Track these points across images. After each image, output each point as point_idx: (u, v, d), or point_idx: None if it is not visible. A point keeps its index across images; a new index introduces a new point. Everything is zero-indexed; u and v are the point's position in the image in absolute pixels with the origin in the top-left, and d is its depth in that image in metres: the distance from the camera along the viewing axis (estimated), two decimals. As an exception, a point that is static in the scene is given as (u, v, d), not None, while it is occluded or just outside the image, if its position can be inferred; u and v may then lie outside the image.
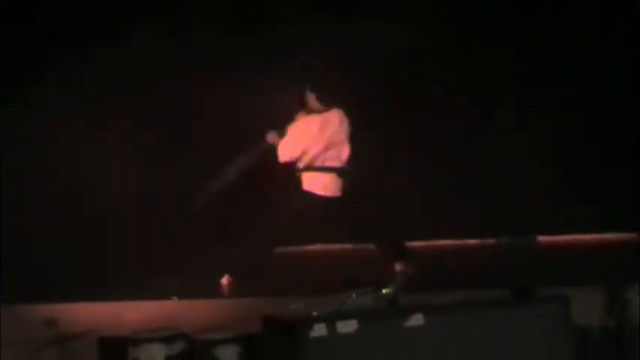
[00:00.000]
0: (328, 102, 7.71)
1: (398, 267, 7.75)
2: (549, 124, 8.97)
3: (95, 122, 9.02)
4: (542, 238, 9.03)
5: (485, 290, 5.90)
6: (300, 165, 7.75)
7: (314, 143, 7.66)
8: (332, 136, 7.71)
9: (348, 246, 9.58)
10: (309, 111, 7.75)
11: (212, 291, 7.67)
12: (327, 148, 7.70)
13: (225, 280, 7.80)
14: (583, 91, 8.91)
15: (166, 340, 5.86)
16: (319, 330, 5.01)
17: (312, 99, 7.72)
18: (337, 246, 9.62)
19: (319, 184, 7.75)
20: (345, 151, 7.77)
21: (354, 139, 7.83)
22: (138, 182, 9.01)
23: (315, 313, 5.14)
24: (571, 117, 8.94)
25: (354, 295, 5.28)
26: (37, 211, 9.17)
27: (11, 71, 8.98)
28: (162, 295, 7.54)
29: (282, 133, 7.76)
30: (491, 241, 9.18)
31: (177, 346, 5.85)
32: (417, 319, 5.07)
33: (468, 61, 8.98)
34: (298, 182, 7.77)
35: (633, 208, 8.40)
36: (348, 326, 5.03)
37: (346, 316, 5.09)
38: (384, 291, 5.32)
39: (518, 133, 8.96)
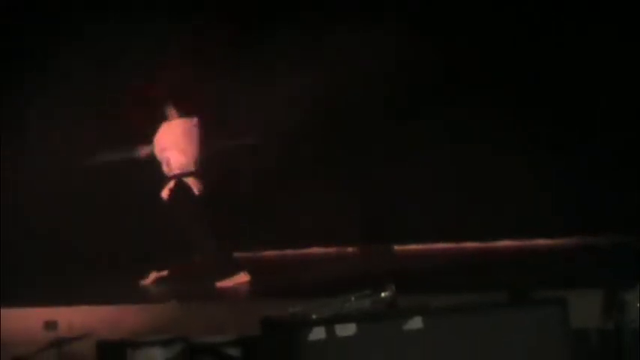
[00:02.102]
0: (183, 111, 8.10)
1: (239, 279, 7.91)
2: (545, 128, 9.00)
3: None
4: (541, 241, 9.04)
5: (483, 293, 5.90)
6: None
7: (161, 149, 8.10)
8: (170, 143, 8.05)
9: (346, 249, 9.61)
10: (169, 119, 8.16)
11: (210, 293, 7.69)
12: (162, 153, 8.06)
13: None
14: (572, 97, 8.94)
15: (165, 343, 5.87)
16: (318, 333, 5.02)
17: (169, 109, 8.13)
18: (335, 249, 9.64)
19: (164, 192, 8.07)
20: (175, 158, 8.02)
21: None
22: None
23: (313, 316, 5.15)
24: (573, 119, 8.97)
25: (352, 298, 5.29)
26: (34, 214, 9.19)
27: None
28: (161, 298, 7.56)
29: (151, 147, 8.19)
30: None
31: (176, 349, 5.86)
32: (415, 322, 5.08)
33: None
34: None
35: (631, 211, 8.41)
36: (346, 329, 5.03)
37: (345, 319, 5.09)
38: (382, 294, 5.33)
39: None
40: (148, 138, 8.33)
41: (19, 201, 9.21)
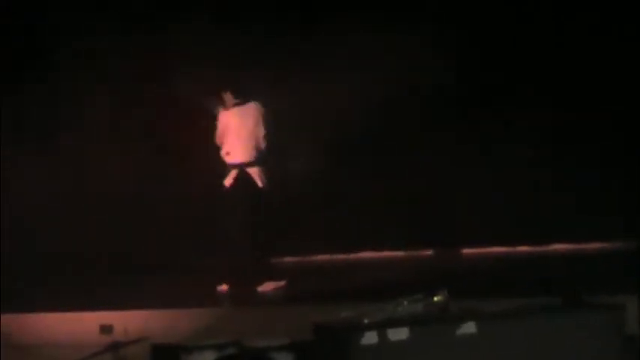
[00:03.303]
0: (241, 98, 7.92)
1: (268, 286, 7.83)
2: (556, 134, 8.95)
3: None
4: (596, 245, 8.94)
5: (536, 297, 5.85)
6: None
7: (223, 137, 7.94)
8: (233, 130, 7.89)
9: (399, 253, 9.58)
10: (225, 107, 7.97)
11: (263, 298, 7.72)
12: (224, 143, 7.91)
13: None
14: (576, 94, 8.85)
15: (218, 347, 5.89)
16: (370, 338, 5.01)
17: (225, 96, 7.94)
18: (387, 253, 9.62)
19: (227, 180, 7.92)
20: (236, 146, 7.88)
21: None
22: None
23: (366, 321, 5.14)
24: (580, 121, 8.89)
25: (405, 303, 5.28)
26: (90, 217, 9.30)
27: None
28: (215, 302, 7.60)
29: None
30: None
31: (229, 353, 5.88)
32: (468, 327, 5.05)
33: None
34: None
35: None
36: (399, 334, 5.02)
37: (398, 323, 5.08)
38: (435, 298, 5.31)
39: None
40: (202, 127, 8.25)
41: (75, 205, 9.33)
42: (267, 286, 7.86)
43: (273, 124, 8.04)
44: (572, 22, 8.82)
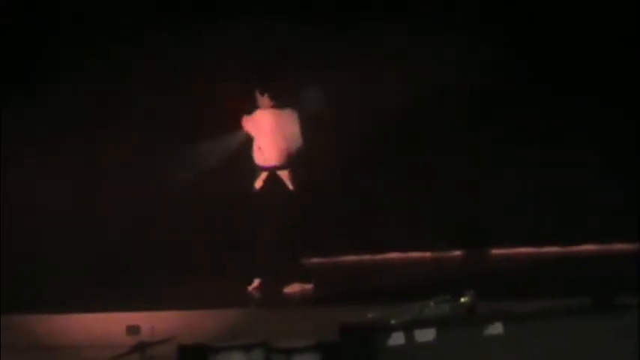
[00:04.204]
0: (277, 101, 7.88)
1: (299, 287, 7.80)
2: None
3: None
4: (625, 246, 8.88)
5: (564, 298, 5.81)
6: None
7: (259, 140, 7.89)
8: (266, 133, 7.86)
9: (426, 254, 9.55)
10: (261, 108, 7.93)
11: (291, 299, 7.71)
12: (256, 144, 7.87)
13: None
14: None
15: (245, 347, 5.89)
16: (397, 339, 5.00)
17: (261, 98, 7.90)
18: (415, 254, 9.59)
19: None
20: (268, 150, 7.84)
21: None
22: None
23: (393, 322, 5.13)
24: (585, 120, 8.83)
25: (432, 304, 5.26)
26: (117, 218, 9.33)
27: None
28: (242, 303, 7.60)
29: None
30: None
31: (256, 354, 5.88)
32: (495, 328, 5.02)
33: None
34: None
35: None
36: (426, 335, 5.00)
37: (424, 324, 5.06)
38: (462, 299, 5.28)
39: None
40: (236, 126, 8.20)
41: (104, 206, 9.36)
42: (294, 288, 7.86)
43: (305, 126, 8.01)
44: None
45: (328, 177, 9.22)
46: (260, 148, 7.93)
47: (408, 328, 5.02)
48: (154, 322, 6.04)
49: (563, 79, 8.94)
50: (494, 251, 9.36)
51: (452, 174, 9.24)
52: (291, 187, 7.87)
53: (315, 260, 9.19)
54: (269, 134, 7.90)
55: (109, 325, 6.84)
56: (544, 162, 9.02)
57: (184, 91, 9.29)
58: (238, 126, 8.14)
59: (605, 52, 8.81)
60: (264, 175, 7.92)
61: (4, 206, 8.87)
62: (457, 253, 9.48)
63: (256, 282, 7.97)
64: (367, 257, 9.63)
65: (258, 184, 7.92)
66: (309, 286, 7.91)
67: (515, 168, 9.06)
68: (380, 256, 9.59)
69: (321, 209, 9.34)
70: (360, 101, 9.04)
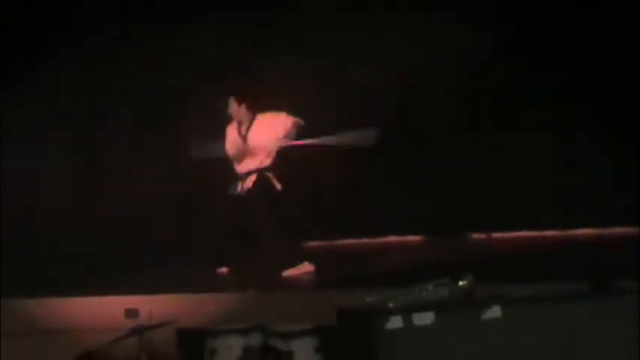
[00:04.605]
0: (249, 109, 7.95)
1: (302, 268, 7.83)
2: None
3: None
4: (623, 229, 8.88)
5: (563, 282, 5.81)
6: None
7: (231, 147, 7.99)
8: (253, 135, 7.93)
9: (424, 237, 9.56)
10: (235, 118, 8.02)
11: (288, 283, 7.72)
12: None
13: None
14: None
15: (243, 331, 5.90)
16: (395, 322, 5.00)
17: (234, 106, 7.97)
18: (412, 237, 9.60)
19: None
20: (257, 151, 7.92)
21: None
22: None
23: (391, 305, 5.13)
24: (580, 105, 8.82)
25: (430, 287, 5.26)
26: (115, 204, 9.34)
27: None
28: (240, 287, 7.61)
29: None
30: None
31: (254, 338, 5.89)
32: (494, 312, 5.03)
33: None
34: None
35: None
36: (424, 318, 5.00)
37: (422, 308, 5.06)
38: (460, 283, 5.28)
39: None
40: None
41: (100, 193, 9.38)
42: (293, 271, 7.86)
43: (300, 112, 8.03)
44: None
45: (324, 162, 9.21)
46: (243, 153, 7.99)
47: (406, 311, 5.02)
48: (153, 305, 6.05)
49: (559, 68, 8.93)
50: (493, 235, 9.36)
51: (449, 158, 9.24)
52: (278, 186, 7.93)
53: (313, 244, 9.19)
54: (252, 139, 7.96)
55: (107, 308, 6.85)
56: (542, 145, 9.01)
57: (184, 91, 9.33)
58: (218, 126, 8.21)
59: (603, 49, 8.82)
60: (253, 177, 7.98)
61: (3, 192, 8.89)
62: (456, 236, 9.48)
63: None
64: (365, 241, 9.64)
65: (247, 185, 7.96)
66: (310, 270, 7.91)
67: (514, 151, 9.05)
68: (378, 240, 9.60)
69: (318, 193, 9.35)
70: (359, 87, 9.03)
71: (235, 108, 8.03)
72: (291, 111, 8.00)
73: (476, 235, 9.42)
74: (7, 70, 9.17)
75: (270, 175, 7.98)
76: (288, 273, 7.84)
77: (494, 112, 9.09)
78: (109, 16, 9.34)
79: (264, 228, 7.87)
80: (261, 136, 7.97)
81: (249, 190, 7.97)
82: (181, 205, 9.44)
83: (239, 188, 7.99)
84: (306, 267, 7.89)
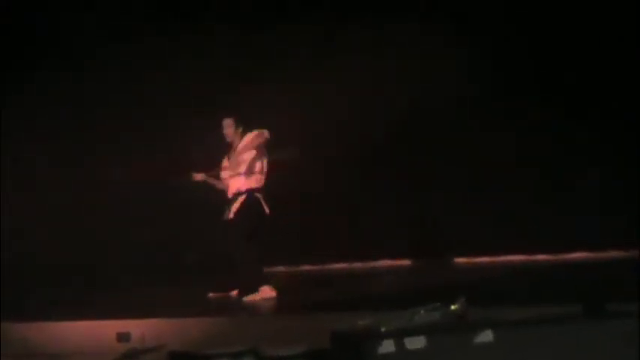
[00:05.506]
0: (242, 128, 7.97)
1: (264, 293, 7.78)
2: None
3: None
4: (616, 253, 8.89)
5: (556, 306, 5.81)
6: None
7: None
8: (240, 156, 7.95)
9: (416, 261, 9.56)
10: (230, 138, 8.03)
11: (280, 307, 7.70)
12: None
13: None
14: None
15: (235, 355, 5.88)
16: (387, 346, 4.99)
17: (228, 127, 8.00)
18: (405, 261, 9.60)
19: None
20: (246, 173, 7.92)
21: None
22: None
23: (383, 329, 5.12)
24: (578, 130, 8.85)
25: (422, 311, 5.25)
26: (106, 228, 9.33)
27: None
28: (231, 311, 7.59)
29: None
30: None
31: (243, 363, 5.88)
32: (486, 335, 5.02)
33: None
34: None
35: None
36: (416, 342, 5.00)
37: (415, 332, 5.06)
38: (452, 307, 5.28)
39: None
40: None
41: (89, 216, 9.37)
42: (254, 297, 7.79)
43: (287, 133, 8.05)
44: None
45: (318, 185, 9.23)
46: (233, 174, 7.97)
47: (398, 335, 5.01)
48: (145, 329, 6.04)
49: (557, 86, 8.96)
50: (485, 259, 9.37)
51: (442, 182, 9.26)
52: (267, 209, 7.89)
53: (307, 267, 9.20)
54: (239, 159, 7.97)
55: (99, 332, 6.82)
56: (533, 169, 9.03)
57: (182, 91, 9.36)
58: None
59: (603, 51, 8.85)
60: (241, 198, 7.95)
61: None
62: (448, 260, 9.48)
63: (232, 289, 7.99)
64: (357, 265, 9.64)
65: (235, 207, 7.94)
66: (270, 294, 7.83)
67: (504, 175, 9.06)
68: (370, 264, 9.59)
69: (311, 217, 9.35)
70: (345, 109, 9.05)
71: (228, 129, 8.02)
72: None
73: (468, 260, 9.43)
74: (7, 70, 9.19)
75: (261, 196, 7.94)
76: (248, 299, 7.77)
77: (489, 137, 9.10)
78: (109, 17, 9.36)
79: (241, 251, 7.81)
80: (246, 154, 7.95)
81: (237, 212, 7.93)
82: (171, 229, 9.42)
83: (230, 213, 7.96)
84: (267, 292, 7.83)
